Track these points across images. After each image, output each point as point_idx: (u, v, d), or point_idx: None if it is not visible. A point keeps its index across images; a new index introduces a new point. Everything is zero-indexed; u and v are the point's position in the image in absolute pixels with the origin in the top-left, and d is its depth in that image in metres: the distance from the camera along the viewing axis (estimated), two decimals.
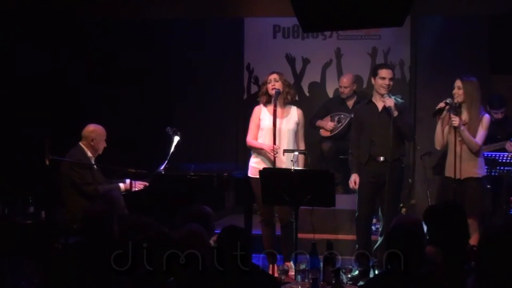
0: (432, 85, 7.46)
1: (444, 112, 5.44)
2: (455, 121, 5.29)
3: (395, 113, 5.48)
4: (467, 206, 5.27)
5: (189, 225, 3.94)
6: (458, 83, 5.40)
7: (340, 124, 7.17)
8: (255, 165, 5.72)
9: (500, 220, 5.92)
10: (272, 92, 5.65)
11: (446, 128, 5.50)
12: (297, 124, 5.76)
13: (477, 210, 5.38)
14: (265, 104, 5.75)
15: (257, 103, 5.90)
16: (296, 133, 5.76)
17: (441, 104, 5.43)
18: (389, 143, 5.48)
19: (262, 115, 5.76)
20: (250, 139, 5.80)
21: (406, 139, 5.82)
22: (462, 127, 5.31)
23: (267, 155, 5.61)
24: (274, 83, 5.67)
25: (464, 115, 5.42)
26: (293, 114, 5.76)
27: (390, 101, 5.51)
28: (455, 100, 5.39)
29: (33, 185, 6.38)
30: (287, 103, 5.75)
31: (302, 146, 5.80)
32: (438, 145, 5.61)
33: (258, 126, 5.77)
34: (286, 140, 5.69)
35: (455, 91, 5.40)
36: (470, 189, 5.36)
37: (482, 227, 5.46)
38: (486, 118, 5.42)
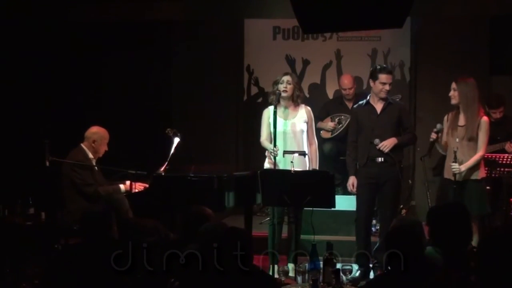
0: (432, 86, 7.46)
1: (438, 134, 5.50)
2: (456, 169, 5.29)
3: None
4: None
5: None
6: (453, 85, 5.43)
7: (340, 126, 7.16)
8: (268, 165, 5.76)
9: (500, 222, 5.92)
10: (284, 94, 5.66)
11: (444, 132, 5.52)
12: (307, 123, 5.78)
13: (476, 212, 5.39)
14: (275, 102, 5.74)
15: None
16: (306, 132, 5.77)
17: (433, 136, 5.50)
18: None
19: (272, 118, 5.74)
20: (262, 139, 5.86)
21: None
22: (463, 168, 5.32)
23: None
24: (286, 85, 5.69)
25: (461, 117, 5.42)
26: (302, 114, 5.78)
27: (389, 143, 5.54)
28: (452, 102, 5.42)
29: (33, 186, 6.38)
30: (296, 104, 5.76)
31: (314, 144, 5.85)
32: (442, 151, 5.65)
33: (269, 128, 5.77)
34: (296, 142, 5.70)
35: (451, 93, 5.44)
36: (469, 191, 5.36)
37: (482, 228, 5.46)
38: (485, 121, 5.38)
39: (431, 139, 5.51)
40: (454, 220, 3.74)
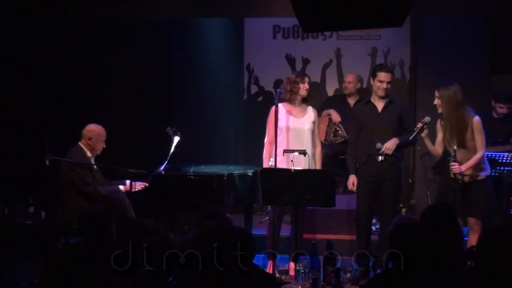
0: (432, 85, 7.40)
1: (425, 131, 5.44)
2: (455, 168, 5.28)
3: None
4: (473, 207, 5.28)
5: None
6: (436, 93, 5.43)
7: (334, 139, 7.17)
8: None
9: (500, 221, 5.92)
10: (304, 93, 5.66)
11: (440, 137, 5.49)
12: (314, 123, 5.77)
13: (484, 211, 5.38)
14: (289, 100, 5.72)
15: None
16: (313, 132, 5.77)
17: (419, 124, 5.46)
18: None
19: (281, 115, 5.68)
20: (266, 145, 5.79)
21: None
22: (464, 168, 5.30)
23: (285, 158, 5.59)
24: (307, 86, 5.69)
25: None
26: (310, 114, 5.78)
27: (391, 145, 5.52)
28: (438, 111, 5.40)
29: (33, 185, 6.37)
30: (307, 104, 5.77)
31: (319, 144, 5.82)
32: (435, 158, 5.64)
33: (276, 127, 5.67)
34: (305, 139, 5.67)
35: (435, 101, 5.43)
36: (475, 191, 5.35)
37: (482, 227, 5.46)
38: (477, 121, 5.34)
39: (416, 129, 5.47)
40: (441, 221, 3.77)
